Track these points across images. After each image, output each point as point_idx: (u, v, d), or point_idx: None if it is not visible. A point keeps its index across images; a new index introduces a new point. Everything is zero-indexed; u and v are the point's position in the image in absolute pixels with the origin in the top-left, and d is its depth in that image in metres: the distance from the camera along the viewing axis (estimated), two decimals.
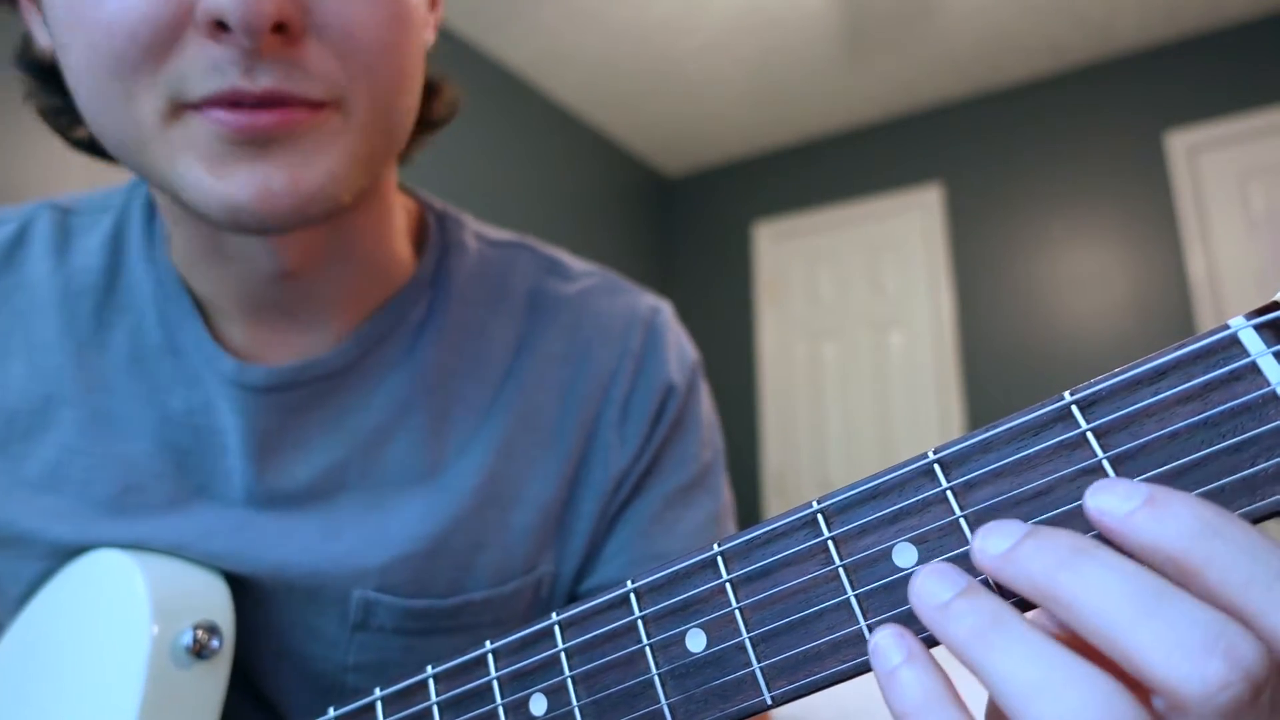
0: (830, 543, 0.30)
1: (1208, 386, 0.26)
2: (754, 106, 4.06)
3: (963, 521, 0.29)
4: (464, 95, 0.62)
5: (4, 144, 2.12)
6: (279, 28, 0.38)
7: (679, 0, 3.28)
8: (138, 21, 0.38)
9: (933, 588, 0.27)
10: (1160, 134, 3.50)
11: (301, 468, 0.53)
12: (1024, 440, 0.28)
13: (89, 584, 0.50)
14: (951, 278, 3.84)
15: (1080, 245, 3.59)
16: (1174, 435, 0.26)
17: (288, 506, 0.52)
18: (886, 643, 0.27)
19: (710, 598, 0.32)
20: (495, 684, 0.36)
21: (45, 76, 0.50)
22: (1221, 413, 0.26)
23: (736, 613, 0.31)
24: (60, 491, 0.51)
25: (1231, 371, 0.26)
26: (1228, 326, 0.26)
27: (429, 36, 0.54)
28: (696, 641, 0.32)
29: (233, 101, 0.39)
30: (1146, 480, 0.26)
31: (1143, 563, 0.24)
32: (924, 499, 0.29)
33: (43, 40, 0.48)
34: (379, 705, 0.39)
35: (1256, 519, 0.25)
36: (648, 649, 0.33)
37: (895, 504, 0.30)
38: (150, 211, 0.56)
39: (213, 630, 0.47)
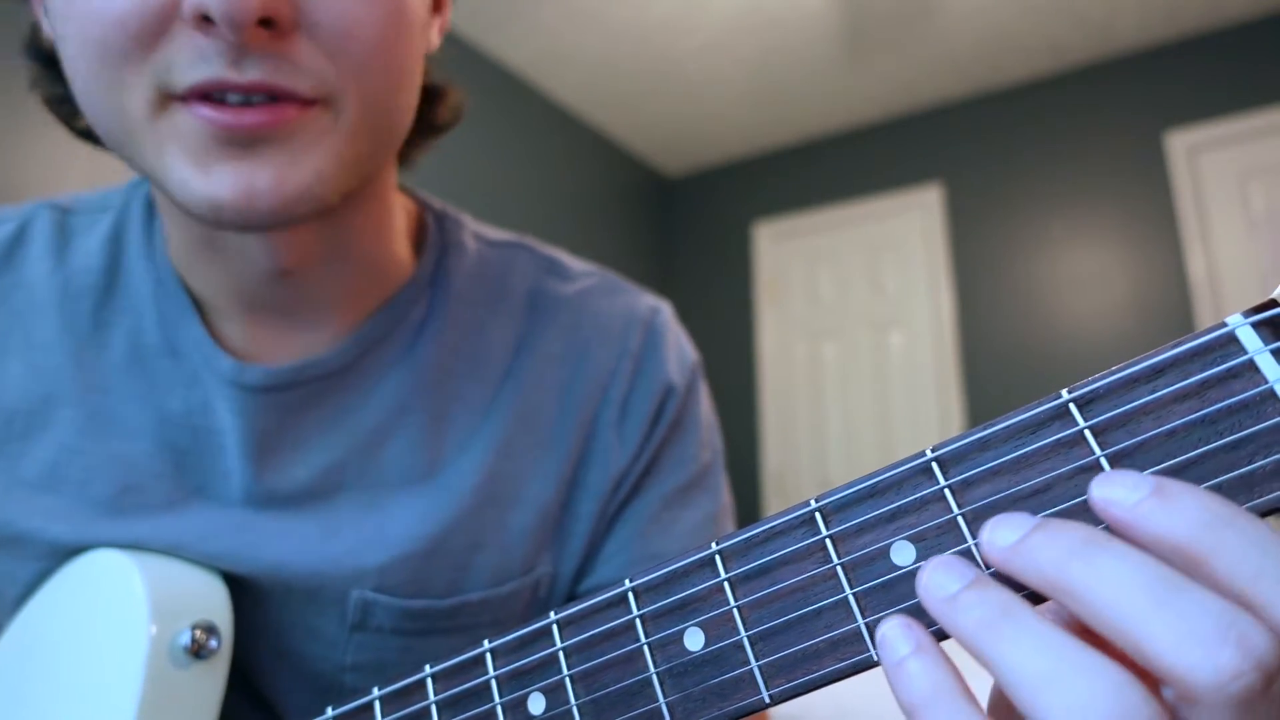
0: (828, 541, 0.30)
1: (1205, 384, 0.26)
2: (754, 106, 4.06)
3: (961, 519, 0.29)
4: (468, 100, 0.62)
5: (4, 144, 2.12)
6: (266, 22, 0.39)
7: (679, 0, 3.28)
8: (126, 11, 0.38)
9: (941, 580, 0.27)
10: (1160, 134, 3.50)
11: (300, 468, 0.53)
12: (1022, 438, 0.28)
13: (87, 584, 0.50)
14: (951, 278, 3.84)
15: (1080, 245, 3.59)
16: (1171, 433, 0.26)
17: (286, 506, 0.52)
18: (894, 634, 0.27)
19: (708, 596, 0.32)
20: (493, 683, 0.36)
21: (50, 65, 0.50)
22: (1219, 410, 0.26)
23: (734, 611, 0.31)
24: (58, 491, 0.51)
25: (1229, 369, 0.26)
26: (1225, 324, 0.26)
27: (433, 40, 0.54)
28: (694, 640, 0.32)
29: (219, 93, 0.40)
30: None
31: (1149, 553, 0.24)
32: (922, 497, 0.29)
33: (47, 29, 0.48)
34: (377, 705, 0.39)
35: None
36: (646, 648, 0.33)
37: (893, 502, 0.30)
38: (150, 211, 0.56)
39: (211, 630, 0.47)
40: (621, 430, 0.59)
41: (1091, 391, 0.28)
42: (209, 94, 0.40)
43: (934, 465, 0.29)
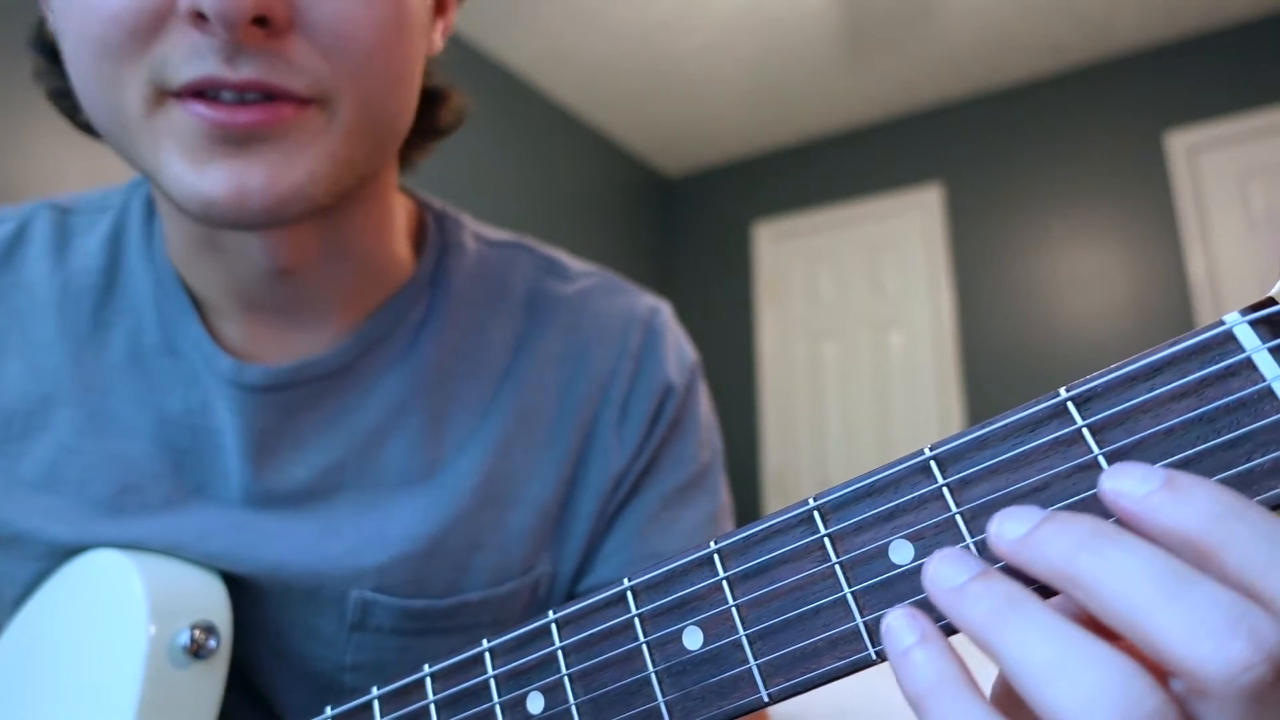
0: (827, 540, 0.30)
1: (1203, 382, 0.26)
2: (754, 106, 4.06)
3: (959, 518, 0.29)
4: (471, 103, 0.62)
5: (4, 144, 2.12)
6: (260, 20, 0.39)
7: (679, 0, 3.28)
8: (123, 7, 0.39)
9: (947, 572, 0.27)
10: (1160, 134, 3.50)
11: (299, 468, 0.53)
12: (1020, 436, 0.28)
13: (86, 584, 0.49)
14: (951, 278, 3.84)
15: (1080, 245, 3.59)
16: (1169, 431, 0.26)
17: (285, 506, 0.52)
18: (899, 624, 0.27)
19: (707, 595, 0.32)
20: (492, 682, 0.36)
21: (54, 59, 0.51)
22: (1217, 408, 0.26)
23: (733, 610, 0.31)
24: (57, 491, 0.51)
25: (1227, 367, 0.26)
26: (1223, 322, 0.26)
27: (436, 43, 0.54)
28: (693, 639, 0.32)
29: (214, 91, 0.40)
30: None
31: (1159, 546, 0.24)
32: (920, 495, 0.29)
33: (52, 23, 0.48)
34: (376, 704, 0.38)
35: None
36: (644, 647, 0.33)
37: (892, 501, 0.30)
38: (150, 211, 0.56)
39: (210, 630, 0.47)
40: (621, 430, 0.59)
41: (1090, 390, 0.28)
42: (204, 91, 0.40)
43: (932, 464, 0.29)
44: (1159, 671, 0.23)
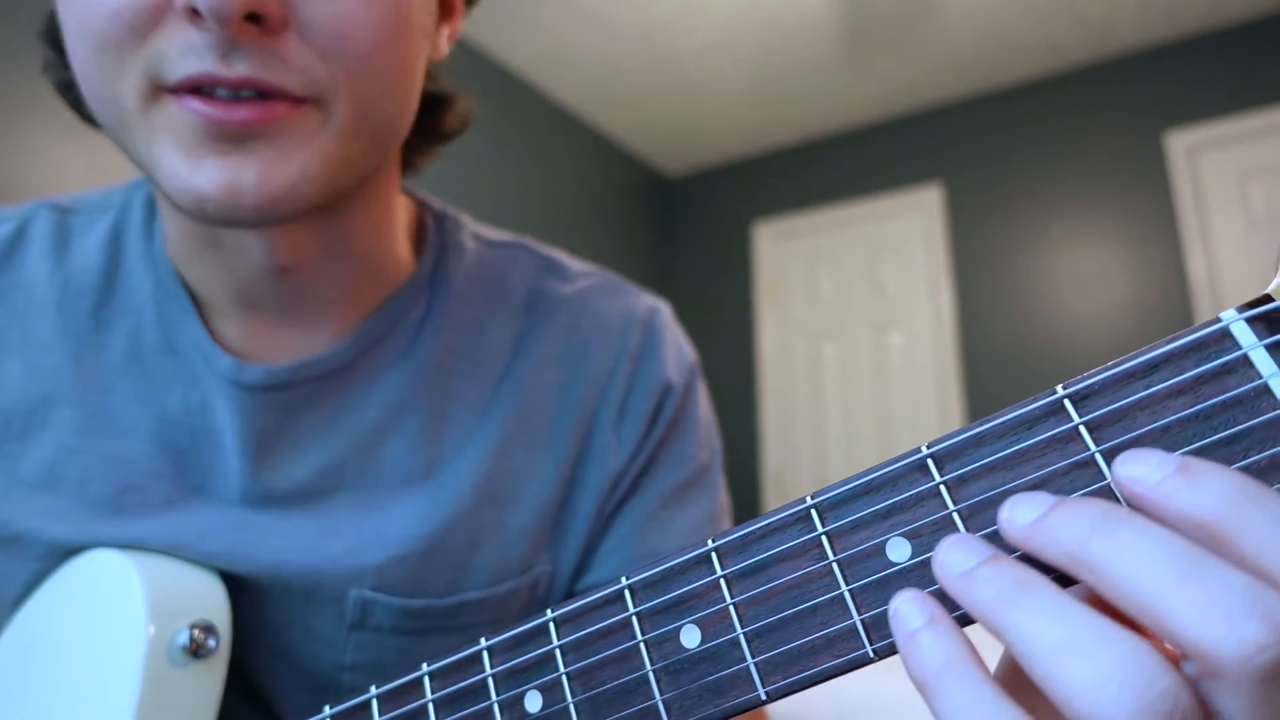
0: (824, 538, 0.30)
1: (1200, 379, 0.26)
2: (754, 106, 4.06)
3: (956, 516, 0.29)
4: (477, 108, 0.62)
5: (4, 144, 2.13)
6: (254, 18, 0.39)
7: (679, 0, 3.28)
8: (122, 3, 0.39)
9: (956, 557, 0.27)
10: (1160, 134, 3.50)
11: (298, 467, 0.53)
12: (1017, 434, 0.28)
13: (85, 584, 0.49)
14: (951, 278, 3.84)
15: (1080, 245, 3.59)
16: (1166, 428, 0.26)
17: (284, 506, 0.52)
18: (907, 607, 0.27)
19: (704, 594, 0.32)
20: (490, 681, 0.36)
21: (62, 51, 0.51)
22: (1213, 405, 0.26)
23: (730, 608, 0.31)
24: (57, 491, 0.51)
25: (1224, 364, 0.26)
26: (1220, 319, 0.26)
27: (441, 47, 0.54)
28: (691, 637, 0.32)
29: (208, 88, 0.40)
30: None
31: (1174, 530, 0.24)
32: (918, 494, 0.29)
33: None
34: (374, 703, 0.38)
35: None
36: (642, 645, 0.33)
37: (889, 499, 0.30)
38: (150, 211, 0.56)
39: (209, 630, 0.47)
40: (620, 430, 0.59)
41: (1087, 387, 0.28)
42: (200, 87, 0.40)
43: (929, 461, 0.29)
44: (1171, 656, 0.23)
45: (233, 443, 0.52)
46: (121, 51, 0.40)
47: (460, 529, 0.54)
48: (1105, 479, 0.27)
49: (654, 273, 4.48)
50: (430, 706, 0.37)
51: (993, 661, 0.28)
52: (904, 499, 0.29)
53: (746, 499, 4.03)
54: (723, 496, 0.64)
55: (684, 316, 4.14)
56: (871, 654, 0.29)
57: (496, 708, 0.35)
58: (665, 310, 0.66)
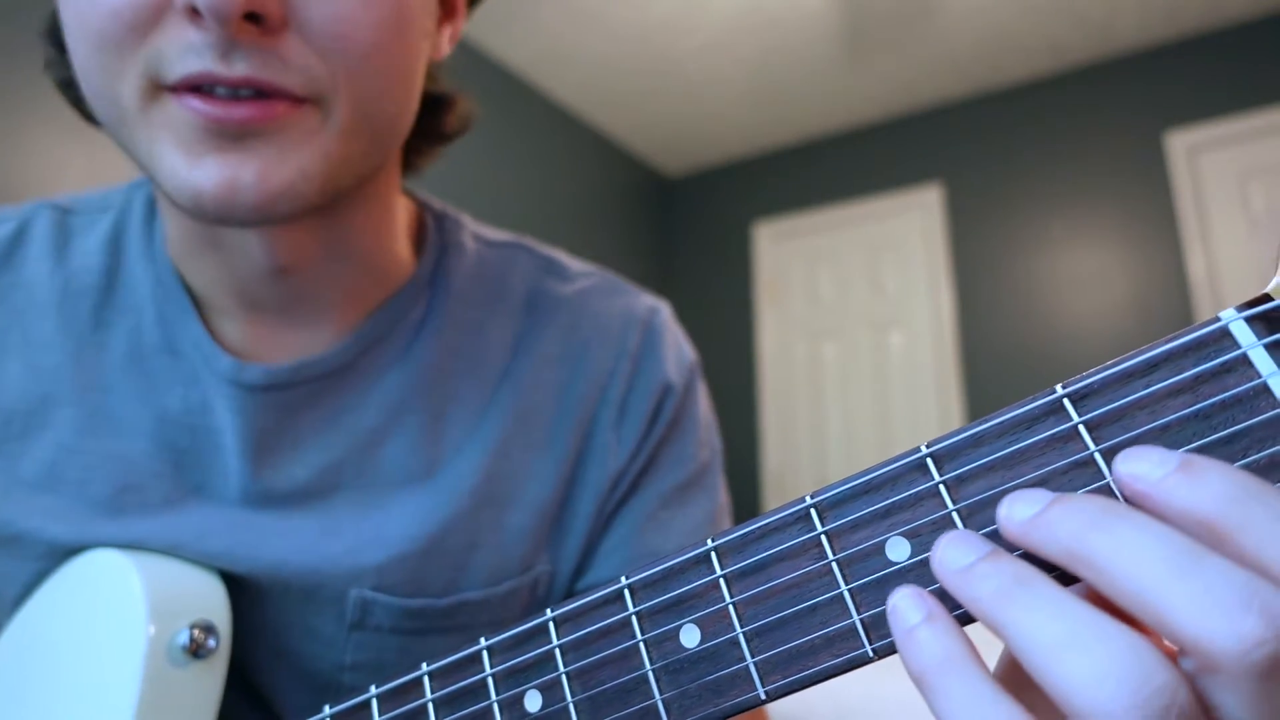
0: (823, 537, 0.30)
1: (1199, 379, 0.26)
2: (754, 106, 4.06)
3: (955, 515, 0.29)
4: (478, 110, 0.63)
5: (4, 144, 2.13)
6: (253, 17, 0.39)
7: (679, 0, 3.28)
8: (123, 2, 0.39)
9: (955, 553, 0.27)
10: (1160, 134, 3.50)
11: (298, 467, 0.53)
12: (1016, 434, 0.28)
13: (85, 584, 0.49)
14: (951, 278, 3.84)
15: (1080, 245, 3.59)
16: (1165, 427, 0.26)
17: (284, 506, 0.52)
18: (905, 603, 0.27)
19: (704, 593, 0.32)
20: (490, 680, 0.36)
21: (64, 49, 0.51)
22: (1213, 405, 0.26)
23: (730, 608, 0.31)
24: (57, 491, 0.51)
25: (1223, 364, 0.26)
26: (1219, 319, 0.26)
27: (443, 48, 0.54)
28: (690, 637, 0.32)
29: (208, 86, 0.40)
30: None
31: (1175, 528, 0.24)
32: (917, 493, 0.29)
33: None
34: (374, 703, 0.38)
35: None
36: (642, 645, 0.33)
37: (888, 498, 0.30)
38: (150, 211, 0.56)
39: (209, 630, 0.47)
40: (620, 430, 0.59)
41: (1086, 386, 0.28)
42: (199, 86, 0.40)
43: (929, 461, 0.29)
44: (1170, 653, 0.23)
45: (233, 442, 0.52)
46: (121, 50, 0.40)
47: (460, 529, 0.54)
48: (1104, 478, 0.27)
49: (654, 273, 4.48)
50: (430, 706, 0.37)
51: (992, 661, 0.28)
52: (903, 498, 0.29)
53: (746, 499, 4.03)
54: (723, 496, 0.64)
55: (684, 316, 4.15)
56: (871, 653, 0.29)
57: (496, 707, 0.35)
58: (665, 310, 0.66)
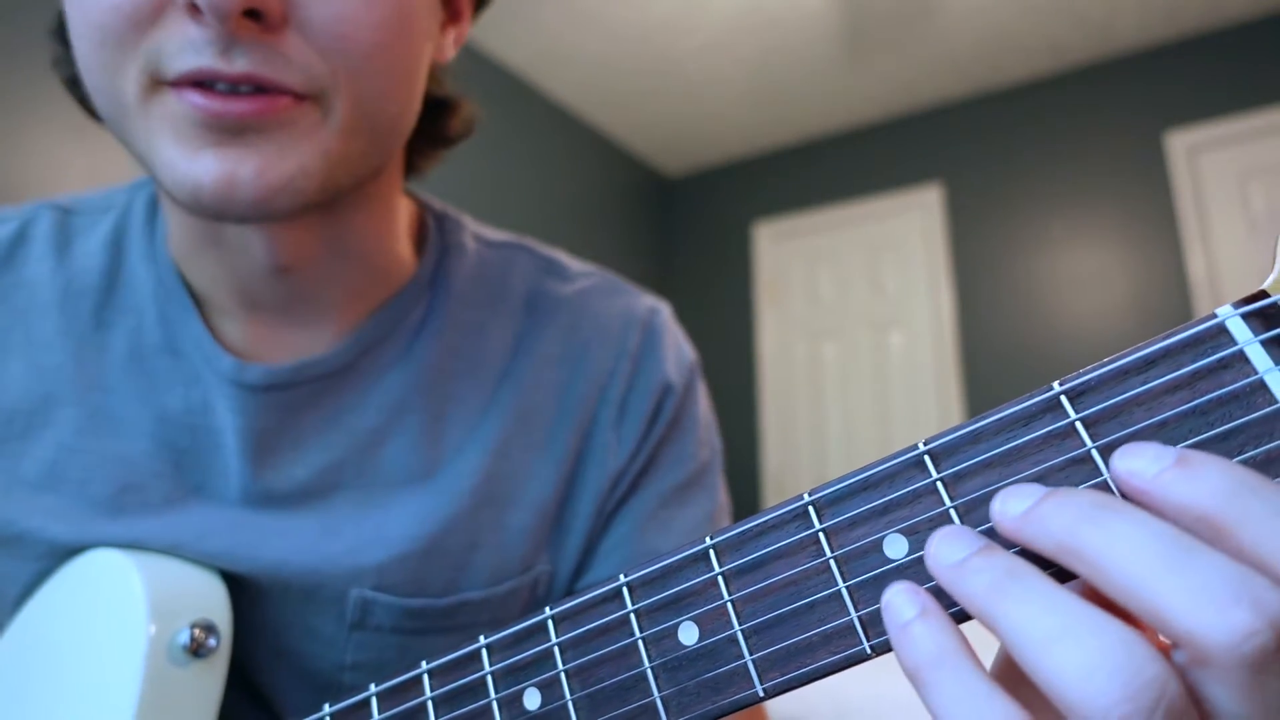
0: (821, 535, 0.30)
1: (1196, 375, 0.26)
2: (754, 106, 4.06)
3: (953, 512, 0.29)
4: (481, 113, 0.63)
5: (4, 144, 2.13)
6: (253, 14, 0.39)
7: (679, 0, 3.29)
8: None
9: (948, 549, 0.27)
10: (1160, 134, 3.50)
11: (298, 467, 0.53)
12: (1013, 431, 0.28)
13: (86, 584, 0.50)
14: (951, 278, 3.84)
15: (1080, 245, 3.59)
16: (1163, 424, 0.26)
17: (285, 506, 0.52)
18: (899, 599, 0.27)
19: (703, 590, 0.32)
20: (489, 679, 0.36)
21: (70, 46, 0.51)
22: (1209, 401, 0.26)
23: (729, 605, 0.31)
24: (58, 491, 0.51)
25: (1220, 360, 0.26)
26: (1215, 315, 0.26)
27: (447, 50, 0.54)
28: (689, 634, 0.32)
29: (209, 81, 0.40)
30: None
31: (1173, 524, 0.24)
32: (914, 490, 0.29)
33: None
34: (374, 701, 0.39)
35: None
36: (640, 642, 0.33)
37: (886, 495, 0.30)
38: (152, 211, 0.57)
39: (210, 629, 0.47)
40: (620, 429, 0.59)
41: (1084, 383, 0.28)
42: (200, 82, 0.40)
43: (926, 458, 0.29)
44: (1163, 647, 0.23)
45: (233, 442, 0.52)
46: (122, 45, 0.40)
47: (460, 529, 0.54)
48: (1101, 475, 0.27)
49: (654, 273, 4.48)
50: (429, 704, 0.37)
51: (988, 660, 0.28)
52: (901, 495, 0.30)
53: (746, 499, 4.03)
54: (722, 496, 0.64)
55: (684, 316, 4.15)
56: (869, 650, 0.29)
57: (495, 705, 0.35)
58: (665, 310, 0.66)
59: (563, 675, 0.34)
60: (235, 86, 0.40)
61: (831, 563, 0.30)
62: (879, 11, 3.37)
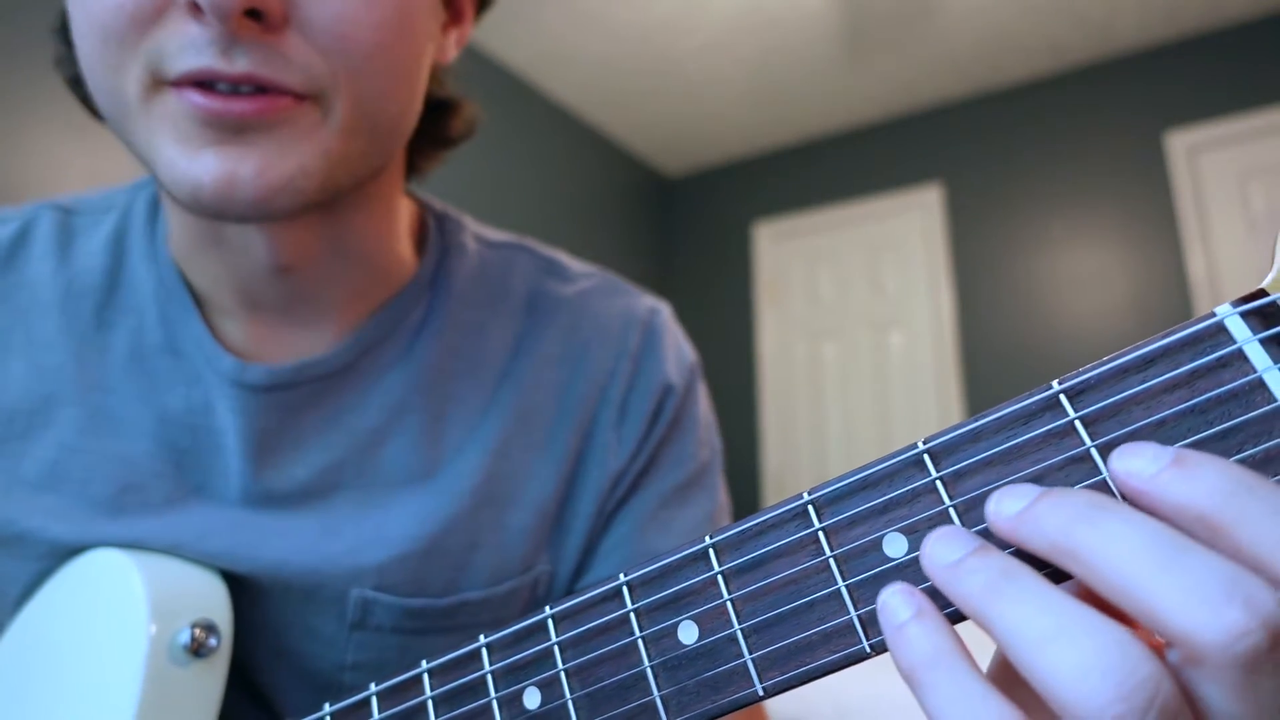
0: (821, 534, 0.30)
1: (1195, 374, 0.26)
2: (754, 106, 4.06)
3: (952, 511, 0.29)
4: (483, 114, 0.63)
5: (4, 144, 2.13)
6: (254, 14, 0.39)
7: (679, 0, 3.29)
8: None
9: (943, 549, 0.27)
10: (1160, 134, 3.50)
11: (299, 467, 0.53)
12: (1013, 429, 0.28)
13: (87, 584, 0.50)
14: (951, 278, 3.84)
15: (1080, 245, 3.59)
16: (1162, 423, 0.26)
17: (285, 506, 0.52)
18: (895, 600, 0.27)
19: (702, 590, 0.32)
20: (489, 678, 0.36)
21: (73, 45, 0.51)
22: (1208, 400, 0.26)
23: (728, 604, 0.31)
24: (59, 491, 0.51)
25: (1219, 359, 0.26)
26: (1214, 314, 0.26)
27: (449, 52, 0.54)
28: (688, 633, 0.32)
29: (209, 81, 0.40)
30: None
31: (1170, 523, 0.24)
32: (914, 489, 0.29)
33: None
34: (374, 700, 0.39)
35: None
36: (640, 641, 0.33)
37: (885, 494, 0.30)
38: (153, 211, 0.57)
39: (210, 629, 0.47)
40: (620, 430, 0.59)
41: (1082, 382, 0.28)
42: (200, 81, 0.40)
43: (925, 457, 0.29)
44: (1158, 647, 0.24)
45: (234, 443, 0.52)
46: (124, 44, 0.40)
47: (460, 529, 0.54)
48: (1101, 473, 0.27)
49: (654, 273, 4.48)
50: (429, 703, 0.37)
51: (984, 662, 0.28)
52: (900, 494, 0.30)
53: (746, 499, 4.03)
54: (722, 496, 0.64)
55: (684, 316, 4.15)
56: (868, 649, 0.29)
57: (495, 704, 0.35)
58: (665, 311, 0.66)
59: (562, 674, 0.34)
60: (236, 86, 0.41)
61: (831, 562, 0.30)
62: (879, 11, 3.37)
